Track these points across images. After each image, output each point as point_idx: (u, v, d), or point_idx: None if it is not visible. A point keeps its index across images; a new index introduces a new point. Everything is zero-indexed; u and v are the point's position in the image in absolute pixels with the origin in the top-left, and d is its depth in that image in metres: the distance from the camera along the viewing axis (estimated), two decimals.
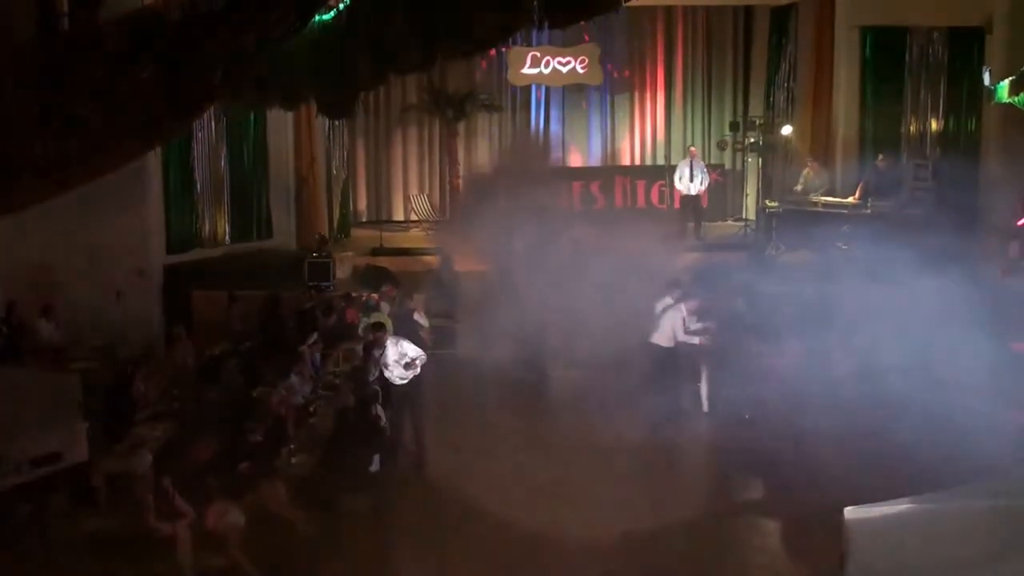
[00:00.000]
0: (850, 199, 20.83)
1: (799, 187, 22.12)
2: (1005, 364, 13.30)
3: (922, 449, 11.56)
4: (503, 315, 15.07)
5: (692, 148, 23.95)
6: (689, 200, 23.00)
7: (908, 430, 12.14)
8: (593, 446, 13.85)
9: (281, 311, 17.77)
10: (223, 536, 10.12)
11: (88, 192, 12.26)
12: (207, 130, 20.76)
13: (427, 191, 26.52)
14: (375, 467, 12.36)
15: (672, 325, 14.85)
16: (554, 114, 27.32)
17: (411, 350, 13.77)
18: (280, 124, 22.34)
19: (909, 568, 6.97)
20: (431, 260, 20.37)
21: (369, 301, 17.72)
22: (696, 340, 14.90)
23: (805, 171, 22.27)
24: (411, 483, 12.91)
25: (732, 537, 12.03)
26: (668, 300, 15.14)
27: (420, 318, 16.48)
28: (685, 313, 14.92)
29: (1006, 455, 10.93)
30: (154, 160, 18.54)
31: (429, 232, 24.25)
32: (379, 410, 12.95)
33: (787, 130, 23.62)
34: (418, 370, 13.76)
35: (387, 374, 13.65)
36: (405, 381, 13.67)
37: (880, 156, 21.12)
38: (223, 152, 21.37)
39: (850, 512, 7.94)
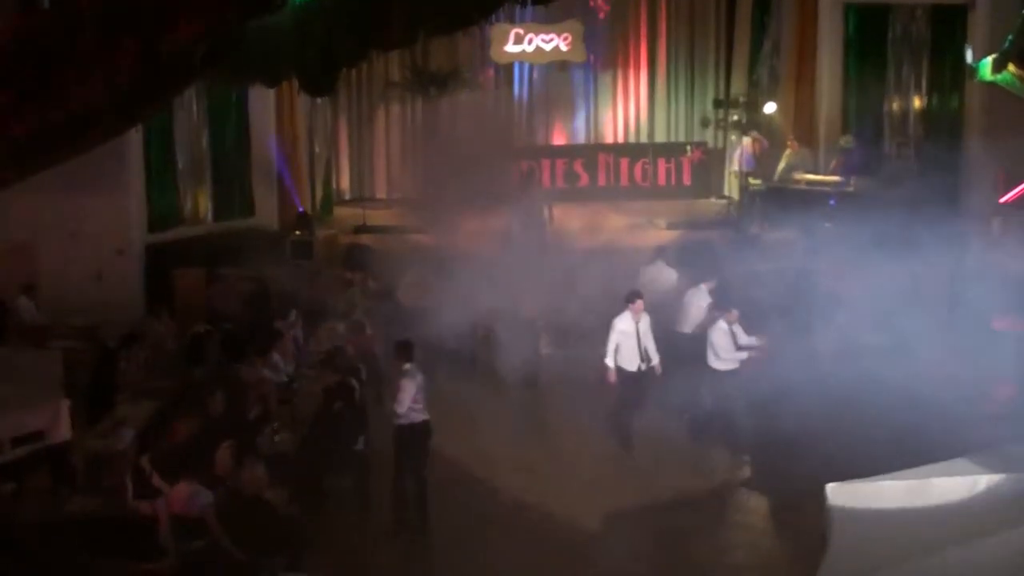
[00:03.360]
0: (835, 177, 20.88)
1: (781, 165, 22.13)
2: (987, 341, 13.35)
3: (904, 426, 11.60)
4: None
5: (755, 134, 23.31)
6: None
7: (890, 407, 12.18)
8: (577, 425, 13.89)
9: (265, 290, 17.74)
10: (196, 518, 10.09)
11: (69, 170, 12.20)
12: (188, 108, 20.65)
13: (410, 170, 26.41)
14: (360, 446, 12.34)
15: (698, 312, 14.69)
16: (537, 92, 27.29)
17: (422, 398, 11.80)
18: (262, 102, 22.25)
19: (890, 544, 7.00)
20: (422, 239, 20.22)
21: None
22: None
23: (787, 151, 22.30)
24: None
25: (715, 514, 12.10)
26: (701, 288, 14.90)
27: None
28: (710, 299, 14.75)
29: (987, 431, 10.98)
30: (135, 138, 18.42)
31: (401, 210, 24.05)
32: (362, 390, 12.98)
33: (770, 108, 23.60)
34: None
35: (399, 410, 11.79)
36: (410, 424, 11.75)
37: (844, 136, 21.19)
38: (205, 130, 21.27)
39: (832, 489, 7.98)
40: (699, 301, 14.69)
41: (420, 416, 11.69)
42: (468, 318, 14.98)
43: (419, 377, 11.72)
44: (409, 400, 11.59)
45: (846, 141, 20.90)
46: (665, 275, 16.25)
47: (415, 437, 11.72)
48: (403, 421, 11.66)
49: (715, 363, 13.61)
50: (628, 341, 13.62)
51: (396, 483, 11.81)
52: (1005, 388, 13.00)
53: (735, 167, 22.32)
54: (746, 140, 22.22)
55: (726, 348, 13.51)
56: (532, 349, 15.75)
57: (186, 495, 10.21)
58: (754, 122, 23.97)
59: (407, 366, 11.75)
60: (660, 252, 16.98)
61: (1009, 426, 11.08)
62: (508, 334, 15.31)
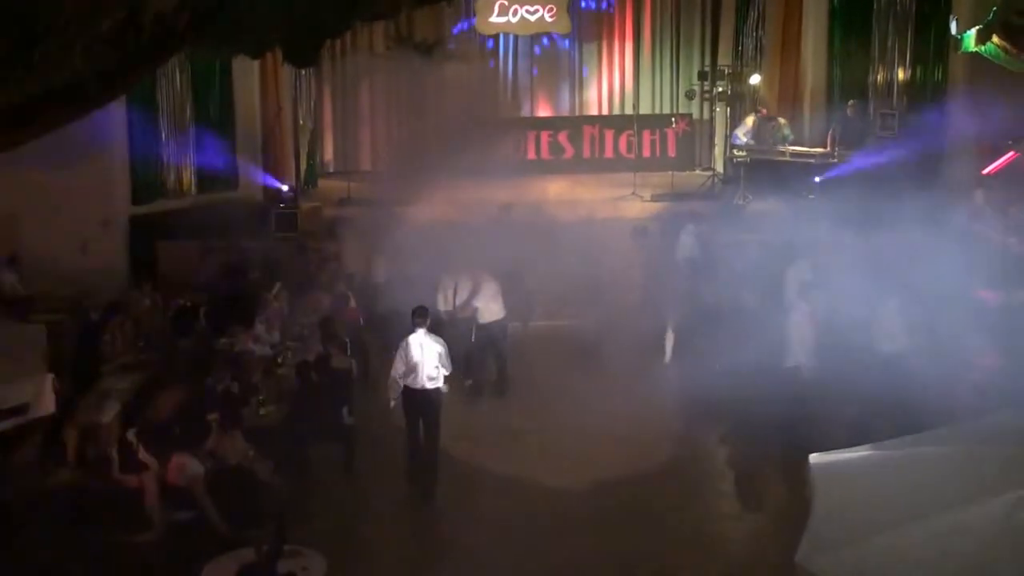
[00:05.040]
0: (819, 149, 20.87)
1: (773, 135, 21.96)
2: (970, 311, 13.38)
3: (888, 396, 11.63)
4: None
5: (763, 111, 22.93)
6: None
7: (874, 378, 12.20)
8: (563, 397, 13.87)
9: (249, 262, 17.70)
10: (187, 488, 10.11)
11: (52, 142, 12.11)
12: (172, 79, 20.51)
13: (395, 142, 26.34)
14: (345, 418, 12.34)
15: (796, 288, 14.25)
16: (522, 63, 27.22)
17: (445, 362, 11.97)
18: (246, 73, 22.13)
19: (873, 513, 7.03)
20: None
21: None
22: None
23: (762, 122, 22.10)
24: (382, 434, 12.86)
25: (700, 484, 12.14)
26: (800, 264, 14.55)
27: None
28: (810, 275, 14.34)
29: (969, 401, 11.04)
30: (119, 110, 18.32)
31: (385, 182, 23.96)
32: (347, 361, 13.01)
33: (756, 79, 23.57)
34: (440, 382, 12.00)
35: (406, 373, 11.86)
36: (423, 388, 11.79)
37: (851, 102, 21.11)
38: (189, 101, 21.14)
39: (815, 459, 8.01)
40: (798, 277, 14.37)
41: (413, 383, 11.73)
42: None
43: (404, 350, 11.76)
44: (402, 368, 11.75)
45: (851, 109, 20.82)
46: (684, 240, 16.53)
47: (408, 401, 11.89)
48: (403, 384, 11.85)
49: (887, 345, 12.72)
50: (799, 333, 12.73)
51: (409, 441, 11.97)
52: (988, 358, 13.04)
53: (741, 139, 22.01)
54: (749, 119, 22.12)
55: (900, 329, 12.78)
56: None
57: (178, 466, 10.23)
58: (740, 93, 23.97)
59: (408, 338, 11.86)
60: (692, 218, 17.37)
61: (992, 396, 11.14)
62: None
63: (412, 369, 11.73)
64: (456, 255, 14.75)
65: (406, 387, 11.82)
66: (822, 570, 6.54)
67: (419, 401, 11.83)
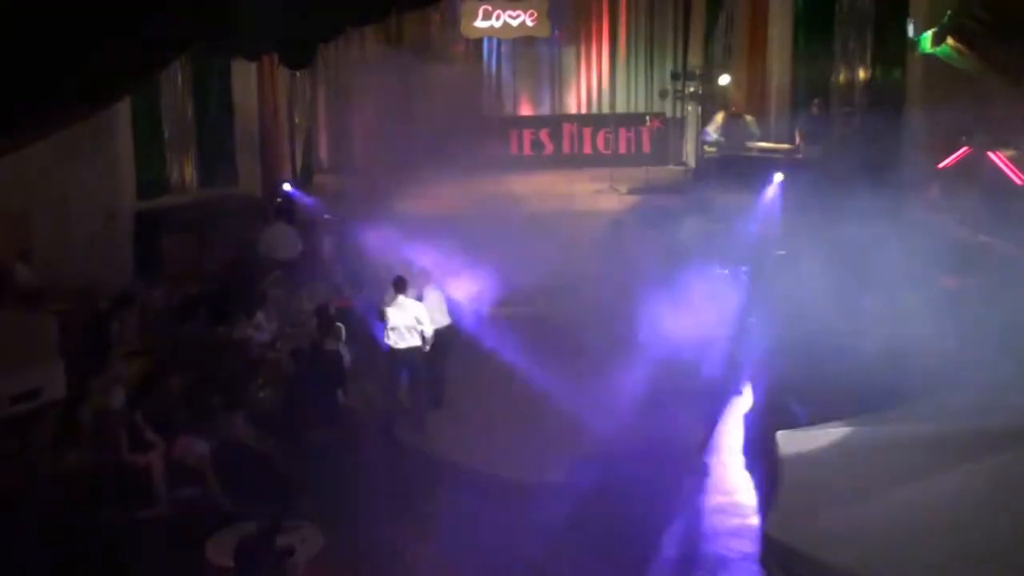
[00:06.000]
0: (785, 145, 20.89)
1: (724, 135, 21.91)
2: (925, 298, 13.42)
3: (851, 378, 11.65)
4: None
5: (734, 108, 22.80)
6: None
7: (841, 360, 12.22)
8: (539, 377, 13.86)
9: (249, 254, 17.68)
10: (192, 467, 10.12)
11: (60, 140, 12.07)
12: (174, 80, 20.43)
13: (386, 139, 26.29)
14: (340, 399, 12.35)
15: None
16: (505, 65, 27.27)
17: (426, 321, 12.79)
18: (244, 74, 22.05)
19: (838, 489, 7.07)
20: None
21: None
22: None
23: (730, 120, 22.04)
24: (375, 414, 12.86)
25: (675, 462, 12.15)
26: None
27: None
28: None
29: (931, 382, 11.07)
30: (123, 109, 18.23)
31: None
32: (339, 346, 13.01)
33: (725, 79, 23.59)
34: (425, 345, 12.84)
35: (392, 335, 12.69)
36: (408, 347, 12.70)
37: (815, 100, 21.11)
38: (190, 101, 21.06)
39: (782, 435, 8.04)
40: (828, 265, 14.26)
41: (395, 342, 12.75)
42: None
43: (386, 315, 12.75)
44: (386, 329, 12.81)
45: (816, 107, 20.83)
46: (686, 229, 16.56)
47: (392, 357, 12.91)
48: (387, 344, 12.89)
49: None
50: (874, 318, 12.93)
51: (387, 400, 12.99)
52: (944, 341, 13.09)
53: (711, 136, 21.86)
54: (719, 117, 22.08)
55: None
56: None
57: (184, 446, 10.24)
58: (710, 93, 24.00)
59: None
60: (696, 206, 17.34)
61: (947, 377, 11.17)
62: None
63: (393, 330, 12.69)
64: (441, 246, 14.72)
65: (390, 347, 12.78)
66: (791, 540, 6.57)
67: (401, 357, 12.77)
